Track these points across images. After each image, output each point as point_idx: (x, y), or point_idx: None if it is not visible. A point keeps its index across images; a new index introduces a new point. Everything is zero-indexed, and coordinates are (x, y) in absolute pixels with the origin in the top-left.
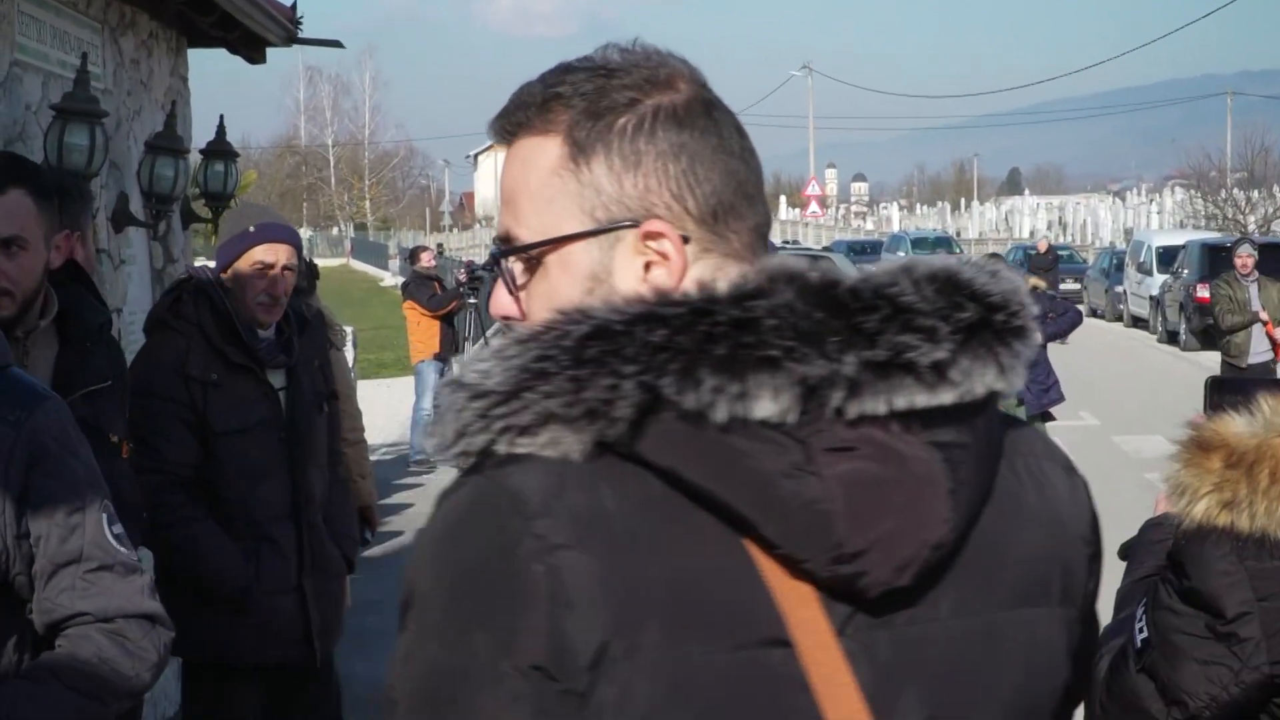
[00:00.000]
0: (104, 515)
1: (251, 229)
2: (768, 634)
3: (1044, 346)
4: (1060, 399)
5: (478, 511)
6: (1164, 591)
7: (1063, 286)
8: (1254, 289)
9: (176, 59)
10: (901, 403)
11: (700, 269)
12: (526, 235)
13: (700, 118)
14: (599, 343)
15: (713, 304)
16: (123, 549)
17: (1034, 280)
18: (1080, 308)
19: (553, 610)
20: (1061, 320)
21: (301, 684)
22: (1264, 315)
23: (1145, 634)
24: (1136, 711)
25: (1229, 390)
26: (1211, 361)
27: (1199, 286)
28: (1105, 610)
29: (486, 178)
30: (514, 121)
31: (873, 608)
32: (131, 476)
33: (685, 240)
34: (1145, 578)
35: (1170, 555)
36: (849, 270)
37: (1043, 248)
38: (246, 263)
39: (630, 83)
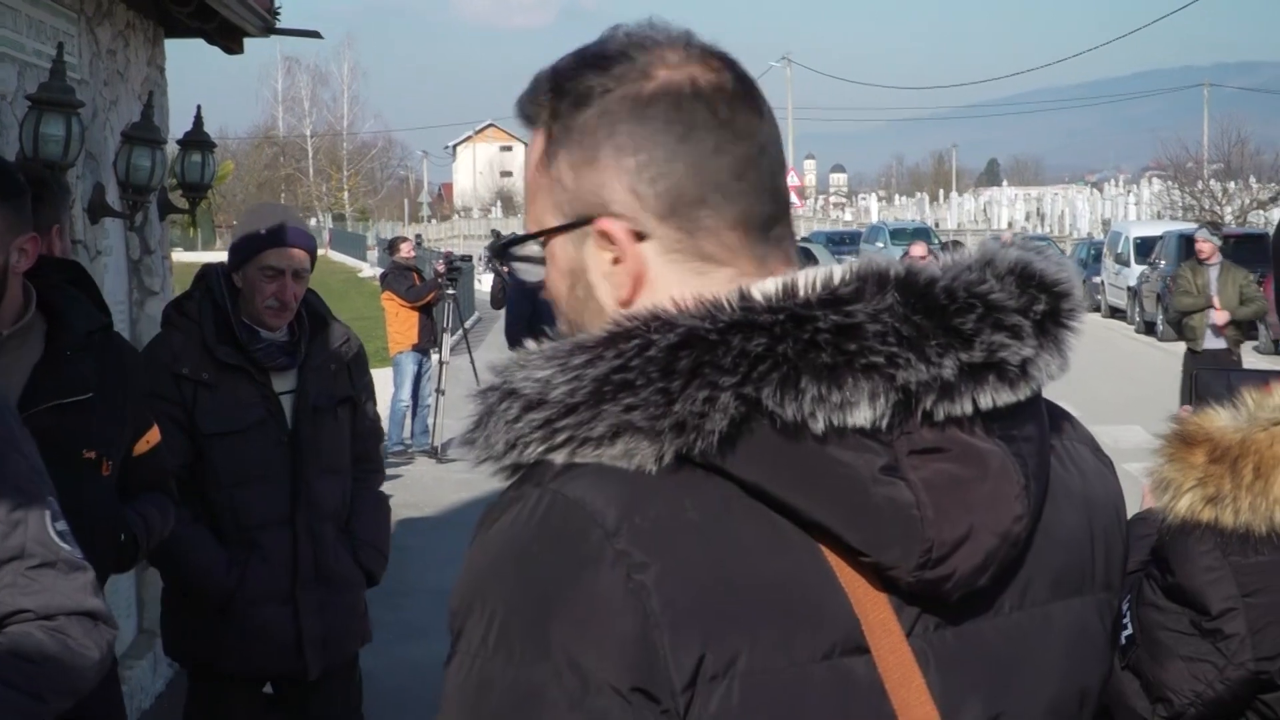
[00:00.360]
0: (47, 512)
1: (264, 231)
2: (852, 642)
3: None
4: None
5: (551, 527)
6: (1148, 588)
7: None
8: (1213, 273)
9: (153, 49)
10: (986, 402)
11: (675, 273)
12: (530, 227)
13: (668, 108)
14: (691, 352)
15: (810, 309)
16: (66, 546)
17: None
18: None
19: (646, 630)
20: None
21: (307, 696)
22: (1215, 301)
23: (1129, 631)
24: (1121, 709)
25: (1213, 383)
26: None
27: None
28: None
29: (465, 168)
30: (521, 115)
31: (941, 608)
32: (110, 495)
33: (643, 237)
34: (1131, 574)
35: (1154, 551)
36: (931, 266)
37: (1006, 239)
38: (256, 266)
39: (612, 73)
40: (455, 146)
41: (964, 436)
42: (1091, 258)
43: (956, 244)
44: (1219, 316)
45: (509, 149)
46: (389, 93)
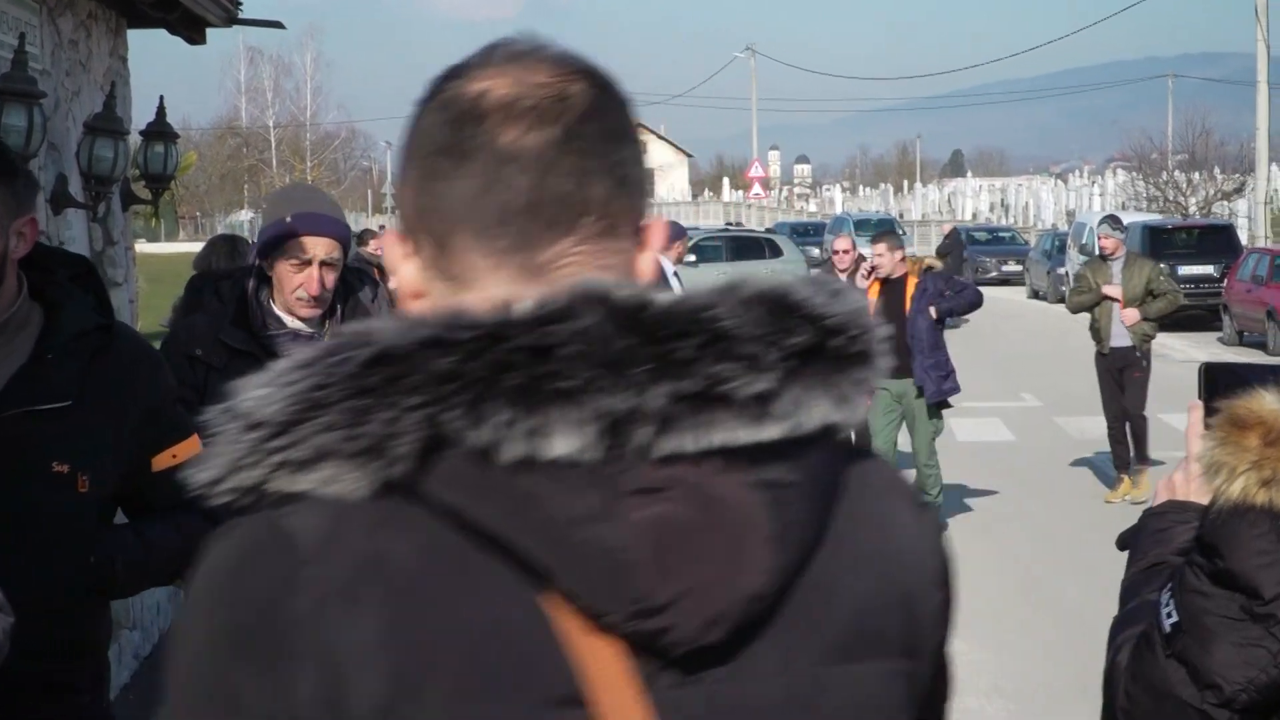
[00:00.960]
0: None
1: (289, 218)
2: (563, 692)
3: (941, 331)
4: (957, 389)
5: (249, 558)
6: (1191, 575)
7: (1004, 268)
8: (1117, 267)
9: (115, 39)
10: (718, 439)
11: (438, 292)
12: None
13: (440, 123)
14: (381, 370)
15: (509, 328)
16: None
17: (929, 260)
18: (1014, 289)
19: (327, 670)
20: (958, 298)
21: None
22: (1111, 292)
23: (1174, 619)
24: (1167, 698)
25: (1225, 376)
26: (1155, 345)
27: None
28: (1109, 604)
29: None
30: None
31: (683, 664)
32: (84, 513)
33: (418, 251)
34: (1151, 566)
35: (1200, 537)
36: (672, 288)
37: (945, 229)
38: (282, 255)
39: (442, 86)
40: None
41: (693, 477)
42: (1056, 249)
43: (890, 231)
44: (1127, 316)
45: None
46: (352, 83)
